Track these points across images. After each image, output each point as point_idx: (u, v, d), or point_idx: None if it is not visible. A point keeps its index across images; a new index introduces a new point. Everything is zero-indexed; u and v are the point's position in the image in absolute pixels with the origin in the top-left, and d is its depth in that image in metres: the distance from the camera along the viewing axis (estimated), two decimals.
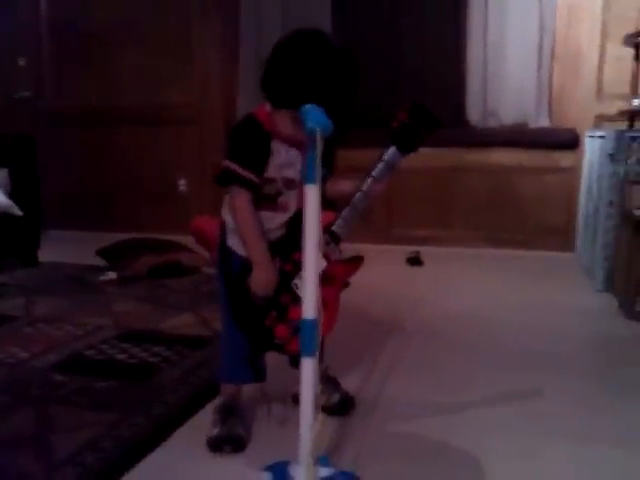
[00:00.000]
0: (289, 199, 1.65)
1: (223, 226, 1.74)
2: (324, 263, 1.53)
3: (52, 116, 5.47)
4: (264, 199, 1.64)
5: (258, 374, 1.79)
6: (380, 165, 1.57)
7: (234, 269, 1.66)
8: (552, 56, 4.34)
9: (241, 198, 1.61)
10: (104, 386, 2.11)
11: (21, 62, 5.39)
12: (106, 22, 5.25)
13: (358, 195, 1.57)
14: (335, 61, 1.51)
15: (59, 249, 4.40)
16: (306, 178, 1.32)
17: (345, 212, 1.58)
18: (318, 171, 1.29)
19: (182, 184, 5.27)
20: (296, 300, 1.55)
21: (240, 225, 1.63)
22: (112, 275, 3.63)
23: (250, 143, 1.61)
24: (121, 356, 2.40)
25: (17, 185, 4.01)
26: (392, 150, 1.56)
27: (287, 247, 1.61)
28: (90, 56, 5.32)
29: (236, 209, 1.63)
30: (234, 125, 1.68)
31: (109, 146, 5.39)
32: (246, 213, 1.61)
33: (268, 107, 1.61)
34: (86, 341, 2.57)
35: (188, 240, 3.64)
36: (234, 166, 1.60)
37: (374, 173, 1.57)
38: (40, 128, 5.28)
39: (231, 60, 5.03)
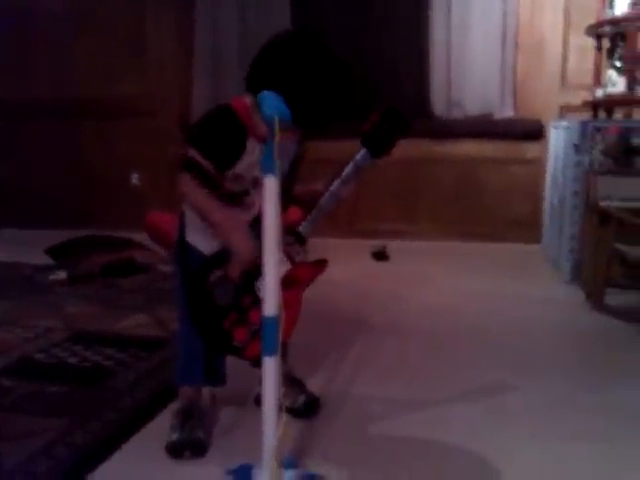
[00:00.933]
0: (255, 199, 1.59)
1: (182, 219, 1.67)
2: (288, 265, 1.50)
3: (2, 109, 5.28)
4: (229, 197, 1.58)
5: (216, 377, 1.75)
6: (349, 167, 1.54)
7: (193, 267, 1.59)
8: (516, 45, 4.33)
9: (189, 183, 1.54)
10: (56, 391, 2.02)
11: None
12: (57, 10, 5.07)
13: (326, 196, 1.54)
14: (336, 67, 1.55)
15: (6, 248, 4.25)
16: (264, 168, 1.28)
17: (312, 214, 1.54)
18: (276, 161, 1.26)
19: (135, 178, 5.13)
20: (257, 303, 1.49)
21: (197, 205, 1.57)
22: (62, 274, 3.49)
23: (222, 135, 1.56)
24: (73, 359, 2.30)
25: None
26: (363, 153, 1.53)
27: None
28: (40, 45, 5.14)
29: (187, 193, 1.56)
30: (207, 113, 1.61)
31: (59, 139, 5.23)
32: (197, 191, 1.54)
33: (249, 100, 1.55)
34: (36, 344, 2.46)
35: (142, 237, 3.56)
36: (194, 153, 1.54)
37: (343, 175, 1.54)
38: None
39: (186, 50, 4.92)
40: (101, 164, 5.16)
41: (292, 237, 1.52)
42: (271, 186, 1.28)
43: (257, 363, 1.37)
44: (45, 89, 5.18)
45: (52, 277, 3.48)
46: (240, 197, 1.60)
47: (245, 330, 1.52)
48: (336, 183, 1.53)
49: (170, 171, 4.83)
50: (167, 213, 1.83)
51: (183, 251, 1.66)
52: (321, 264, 1.59)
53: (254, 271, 1.51)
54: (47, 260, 3.76)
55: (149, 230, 2.07)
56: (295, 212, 1.55)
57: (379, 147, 1.52)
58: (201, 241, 1.61)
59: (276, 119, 1.24)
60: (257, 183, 1.56)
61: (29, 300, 3.13)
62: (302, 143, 1.72)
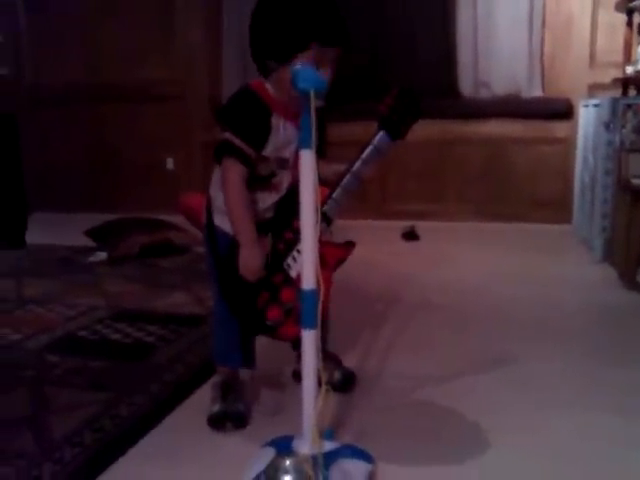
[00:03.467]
0: (282, 179, 1.61)
1: (209, 203, 1.67)
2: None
3: (33, 94, 5.36)
4: (257, 180, 1.59)
5: (248, 360, 1.75)
6: (369, 148, 1.55)
7: (222, 249, 1.60)
8: (543, 24, 4.29)
9: (235, 172, 1.54)
10: (99, 366, 2.08)
11: None
12: None
13: (348, 177, 1.55)
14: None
15: (46, 231, 4.34)
16: (301, 142, 1.27)
17: (335, 194, 1.55)
18: (314, 135, 1.24)
19: (170, 162, 5.19)
20: (288, 281, 1.52)
21: (229, 201, 1.56)
22: (102, 255, 3.58)
23: (250, 116, 1.55)
24: (115, 336, 2.36)
25: (0, 165, 3.94)
26: (381, 135, 1.54)
27: (279, 225, 1.56)
28: (69, 31, 5.20)
29: (228, 182, 1.56)
30: (230, 97, 1.61)
31: (92, 124, 5.30)
32: (237, 189, 1.55)
33: (262, 79, 1.58)
34: (79, 322, 2.53)
35: (177, 219, 3.62)
36: (234, 139, 1.54)
37: (363, 156, 1.54)
38: (21, 107, 5.15)
39: (215, 33, 4.94)
40: (133, 147, 5.22)
41: (320, 216, 1.53)
42: (309, 161, 1.27)
43: (295, 345, 1.40)
44: (77, 74, 5.23)
45: (92, 258, 3.57)
46: (268, 179, 1.60)
47: (278, 309, 1.54)
48: (357, 164, 1.54)
49: (203, 153, 4.94)
50: (200, 195, 1.86)
51: (211, 233, 1.66)
52: (348, 246, 1.60)
53: (283, 250, 1.54)
54: (84, 242, 3.83)
55: (184, 212, 2.10)
56: (322, 191, 1.56)
57: (396, 130, 1.53)
58: (226, 223, 1.61)
59: (312, 92, 1.22)
60: (284, 164, 1.59)
61: (70, 280, 3.20)
62: (323, 121, 1.72)
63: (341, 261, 1.61)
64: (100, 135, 5.31)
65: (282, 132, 1.56)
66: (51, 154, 5.38)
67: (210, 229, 1.66)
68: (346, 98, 3.85)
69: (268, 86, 1.57)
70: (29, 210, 4.27)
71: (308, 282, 1.32)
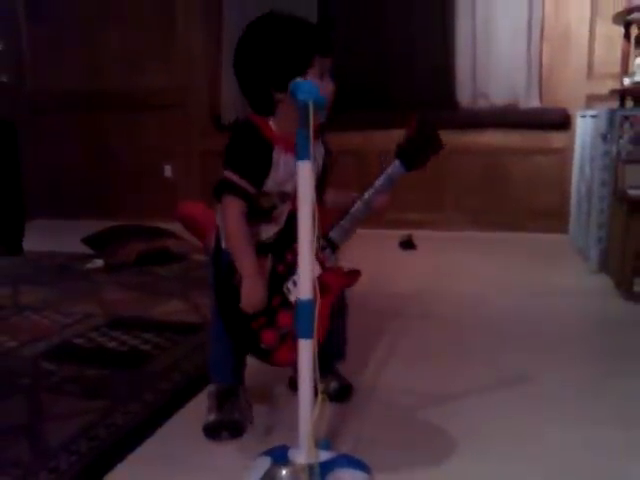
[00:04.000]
0: (283, 210, 1.59)
1: (218, 230, 1.67)
2: (319, 269, 1.51)
3: (32, 101, 5.37)
4: (259, 213, 1.58)
5: (236, 377, 1.77)
6: (383, 177, 1.57)
7: (223, 268, 1.59)
8: (541, 35, 4.31)
9: (233, 208, 1.54)
10: (95, 374, 2.08)
11: None
12: (86, 2, 5.14)
13: (358, 204, 1.57)
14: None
15: (43, 238, 4.35)
16: (299, 154, 1.27)
17: (344, 221, 1.57)
18: (311, 147, 1.25)
19: (168, 169, 5.20)
20: (286, 305, 1.52)
21: (230, 236, 1.56)
22: (99, 263, 3.58)
23: (251, 154, 1.54)
24: (111, 344, 2.36)
25: None
26: (396, 164, 1.57)
27: (280, 246, 1.54)
28: (71, 38, 5.22)
29: (228, 219, 1.55)
30: (232, 133, 1.60)
31: (92, 131, 5.31)
32: (237, 225, 1.54)
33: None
34: (75, 329, 2.53)
35: (175, 227, 3.62)
36: (233, 176, 1.53)
37: (376, 184, 1.57)
38: (20, 114, 5.15)
39: (215, 41, 4.95)
40: (131, 155, 5.23)
41: (325, 242, 1.54)
42: (306, 171, 1.27)
43: (294, 386, 1.39)
44: (77, 81, 5.25)
45: (89, 265, 3.57)
46: (269, 212, 1.59)
47: (273, 333, 1.52)
48: (369, 192, 1.56)
49: (201, 161, 4.95)
50: (199, 203, 1.86)
51: (218, 252, 1.64)
52: (354, 274, 1.60)
53: (283, 272, 1.53)
54: (82, 249, 3.83)
55: (181, 220, 2.11)
56: (323, 219, 1.56)
57: (413, 161, 1.56)
58: None
59: (310, 105, 1.22)
60: (285, 197, 1.57)
61: (67, 287, 3.20)
62: (329, 148, 1.70)
63: (345, 287, 1.63)
64: (99, 142, 5.32)
65: (282, 167, 1.55)
66: (50, 161, 5.39)
67: (218, 248, 1.65)
68: (344, 108, 3.86)
69: (270, 121, 1.56)
70: (27, 217, 4.26)
71: (304, 292, 1.31)
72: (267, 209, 1.59)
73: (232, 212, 1.54)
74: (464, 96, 4.53)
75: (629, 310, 2.71)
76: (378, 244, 4.02)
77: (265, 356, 1.55)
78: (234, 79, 1.62)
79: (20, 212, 4.08)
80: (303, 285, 1.32)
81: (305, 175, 1.28)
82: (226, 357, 1.72)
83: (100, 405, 1.83)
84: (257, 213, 1.57)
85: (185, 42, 5.00)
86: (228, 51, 4.87)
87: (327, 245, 1.56)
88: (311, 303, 1.31)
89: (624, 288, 2.86)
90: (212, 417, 1.69)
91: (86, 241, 3.83)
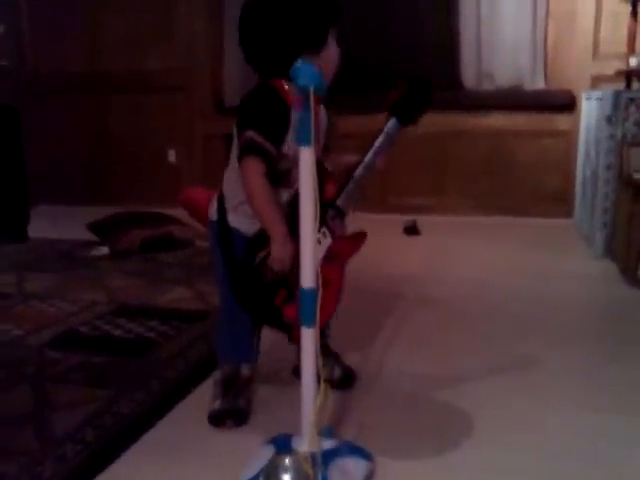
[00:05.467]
0: (297, 175, 1.54)
1: (222, 202, 1.65)
2: (329, 239, 1.51)
3: (34, 85, 5.34)
4: (277, 176, 1.56)
5: (253, 354, 1.76)
6: (381, 137, 1.54)
7: (238, 250, 1.58)
8: (546, 15, 4.26)
9: (257, 170, 1.51)
10: (101, 362, 2.09)
11: (0, 29, 5.22)
12: None
13: (360, 168, 1.55)
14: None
15: (48, 224, 4.34)
16: (300, 139, 1.26)
17: (348, 186, 1.55)
18: (313, 132, 1.24)
19: (172, 154, 5.18)
20: None
21: (256, 199, 1.52)
22: (104, 250, 3.59)
23: (271, 113, 1.53)
24: (117, 331, 2.37)
25: (1, 158, 3.94)
26: (392, 122, 1.54)
27: (296, 224, 1.51)
28: (71, 21, 5.16)
29: (253, 181, 1.51)
30: (248, 95, 1.59)
31: (94, 114, 5.27)
32: (263, 186, 1.51)
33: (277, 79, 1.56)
34: (80, 317, 2.53)
35: (179, 212, 3.61)
36: (257, 137, 1.50)
37: (375, 145, 1.54)
38: (22, 98, 5.12)
39: (216, 24, 4.91)
40: (134, 139, 5.20)
41: (334, 211, 1.53)
42: (307, 158, 1.26)
43: (290, 337, 1.40)
44: (78, 64, 5.21)
45: (93, 252, 3.58)
46: (286, 175, 1.57)
47: (295, 307, 1.50)
48: (369, 154, 1.54)
49: (205, 146, 4.93)
50: (203, 189, 1.85)
51: (225, 233, 1.63)
52: (360, 237, 1.59)
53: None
54: (86, 236, 3.82)
55: (185, 206, 2.09)
56: (330, 187, 1.54)
57: (407, 115, 1.53)
58: (243, 223, 1.59)
59: (311, 89, 1.22)
60: (298, 160, 1.58)
61: (72, 275, 3.20)
62: (331, 115, 1.71)
63: (355, 252, 1.60)
64: (102, 127, 5.29)
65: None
66: (53, 146, 5.37)
67: (224, 228, 1.64)
68: (351, 90, 3.85)
69: (285, 83, 1.55)
70: (31, 203, 4.26)
71: (307, 280, 1.31)
72: (284, 172, 1.57)
73: (256, 172, 1.51)
74: (469, 77, 4.49)
75: (633, 296, 2.69)
76: (382, 229, 4.01)
77: (288, 330, 1.57)
78: (237, 62, 1.62)
79: (24, 198, 4.08)
80: (305, 274, 1.31)
81: (307, 162, 1.26)
82: (242, 336, 1.71)
83: (105, 394, 1.84)
84: (274, 176, 1.55)
85: (187, 25, 4.95)
86: (230, 34, 4.83)
87: (336, 214, 1.54)
88: (314, 292, 1.31)
89: (628, 274, 2.85)
90: (216, 405, 1.70)
91: (91, 228, 3.83)
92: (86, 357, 2.12)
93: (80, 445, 1.57)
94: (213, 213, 1.69)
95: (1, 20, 5.19)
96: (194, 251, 3.61)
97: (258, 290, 1.55)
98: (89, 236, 3.82)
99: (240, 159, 1.53)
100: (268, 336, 1.79)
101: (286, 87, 1.54)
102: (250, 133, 1.51)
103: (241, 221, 1.61)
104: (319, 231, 1.44)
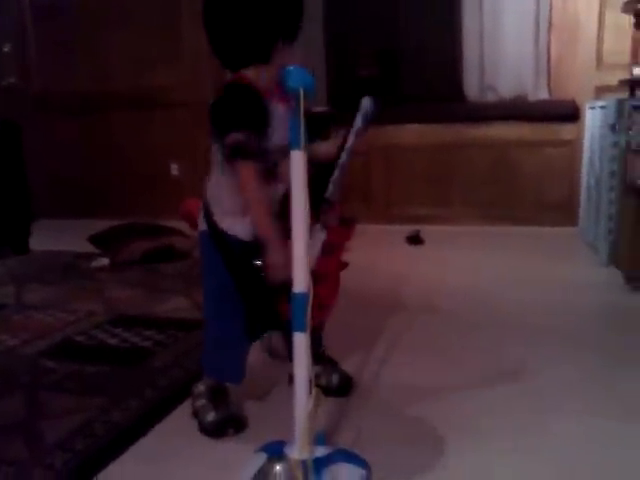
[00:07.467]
0: (286, 168, 1.45)
1: (207, 208, 1.61)
2: (324, 235, 1.48)
3: (38, 102, 5.38)
4: (265, 171, 1.52)
5: (241, 375, 1.70)
6: (358, 118, 1.51)
7: (236, 253, 1.55)
8: (549, 26, 4.26)
9: (248, 172, 1.46)
10: (95, 371, 2.07)
11: (5, 48, 5.25)
12: (91, 3, 5.13)
13: (343, 155, 1.51)
14: None
15: (50, 237, 4.35)
16: (291, 143, 1.25)
17: (334, 176, 1.51)
18: (304, 135, 1.22)
19: (174, 168, 5.19)
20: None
21: (251, 203, 1.49)
22: (104, 261, 3.59)
23: (249, 108, 1.48)
24: (113, 341, 2.35)
25: (4, 172, 3.97)
26: (366, 100, 1.52)
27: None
28: (76, 39, 5.22)
29: (245, 185, 1.47)
30: (218, 97, 1.53)
31: (97, 131, 5.31)
32: (256, 190, 1.47)
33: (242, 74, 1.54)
34: (77, 327, 2.52)
35: (182, 225, 3.60)
36: (239, 136, 1.45)
37: (354, 129, 1.51)
38: (26, 114, 5.16)
39: None
40: (138, 154, 5.22)
41: (325, 205, 1.48)
42: (298, 161, 1.24)
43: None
44: (83, 82, 5.25)
45: (94, 264, 3.57)
46: (273, 169, 1.54)
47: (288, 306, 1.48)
48: (350, 139, 1.51)
49: (207, 160, 4.90)
50: (199, 200, 1.84)
51: (218, 239, 1.59)
52: (349, 224, 1.54)
53: None
54: (87, 248, 3.82)
55: (186, 218, 2.08)
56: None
57: (380, 91, 1.51)
58: (237, 227, 1.55)
59: (301, 91, 1.21)
60: (284, 149, 1.45)
61: (71, 285, 3.20)
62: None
63: (347, 240, 1.56)
64: (105, 142, 5.32)
65: (279, 117, 1.50)
66: (57, 161, 5.40)
67: (215, 233, 1.59)
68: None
69: (250, 75, 1.53)
70: (34, 217, 4.28)
71: (299, 285, 1.29)
72: (271, 165, 1.54)
73: (249, 178, 1.46)
74: (472, 89, 4.48)
75: (637, 304, 2.65)
76: (385, 240, 4.00)
77: (287, 331, 1.48)
78: None
79: (26, 212, 4.10)
80: (297, 278, 1.29)
81: (298, 165, 1.25)
82: (232, 357, 1.67)
83: (98, 402, 1.82)
84: (264, 171, 1.51)
85: (191, 42, 4.97)
86: None
87: (327, 206, 1.49)
88: (306, 297, 1.29)
89: (633, 281, 2.81)
90: (212, 417, 1.66)
91: (92, 240, 3.83)
92: (81, 366, 2.11)
93: (69, 454, 1.55)
94: (201, 223, 1.65)
95: (7, 39, 5.24)
96: (194, 261, 3.59)
97: (259, 295, 1.52)
98: (90, 248, 3.82)
99: (231, 163, 1.49)
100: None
101: (250, 77, 1.52)
102: (234, 135, 1.45)
103: (234, 225, 1.56)
104: (313, 228, 1.40)
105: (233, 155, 1.48)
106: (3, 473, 1.48)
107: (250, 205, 1.50)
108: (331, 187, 1.50)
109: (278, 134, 1.50)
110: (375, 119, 1.52)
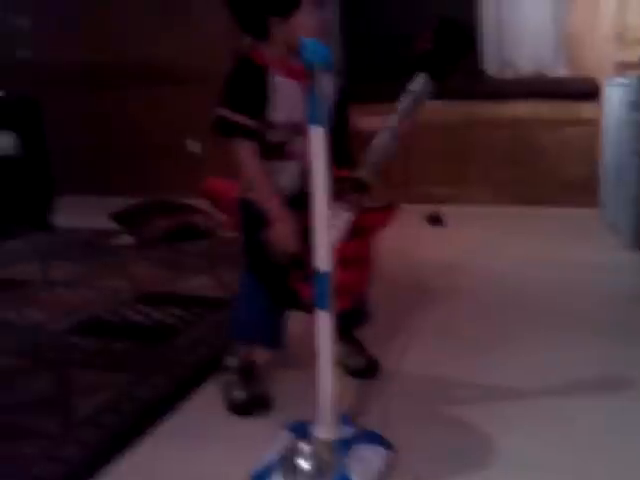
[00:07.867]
0: (299, 146, 1.50)
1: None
2: (351, 215, 1.41)
3: (55, 77, 5.35)
4: (270, 149, 1.53)
5: (276, 339, 1.69)
6: (407, 98, 1.40)
7: (250, 219, 1.57)
8: (569, 0, 4.19)
9: (244, 150, 1.49)
10: (122, 348, 2.11)
11: (20, 21, 5.22)
12: None
13: (383, 135, 1.42)
14: None
15: (71, 214, 4.35)
16: (310, 118, 1.22)
17: (371, 157, 1.42)
18: (323, 110, 1.20)
19: (192, 144, 5.16)
20: None
21: (249, 179, 1.54)
22: (127, 239, 3.60)
23: (242, 84, 1.50)
24: (138, 318, 2.38)
25: (26, 149, 3.99)
26: (420, 79, 1.38)
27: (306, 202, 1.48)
28: (93, 13, 5.16)
29: (241, 162, 1.51)
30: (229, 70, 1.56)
31: (116, 106, 5.27)
32: (252, 166, 1.50)
33: (257, 44, 1.54)
34: (103, 304, 2.55)
35: (200, 202, 3.61)
36: (225, 112, 1.48)
37: (401, 108, 1.40)
38: (44, 89, 5.12)
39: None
40: (155, 130, 5.20)
41: (354, 183, 1.42)
42: (319, 138, 1.21)
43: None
44: (99, 56, 5.21)
45: (117, 241, 3.60)
46: (282, 147, 1.54)
47: (311, 287, 1.46)
48: (394, 119, 1.40)
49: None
50: (225, 180, 1.85)
51: (245, 206, 1.60)
52: (389, 209, 1.51)
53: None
54: (110, 225, 3.83)
55: (208, 196, 2.10)
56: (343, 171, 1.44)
57: (439, 69, 1.37)
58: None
59: (318, 65, 1.18)
60: (297, 128, 1.49)
61: (95, 263, 3.21)
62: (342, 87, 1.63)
63: (382, 226, 1.53)
64: (123, 117, 5.30)
65: (284, 93, 1.49)
66: (76, 137, 5.38)
67: (241, 202, 1.61)
68: (366, 80, 3.83)
69: (263, 47, 1.52)
70: (56, 193, 4.30)
71: (322, 264, 1.28)
72: (277, 143, 1.53)
73: (244, 155, 1.50)
74: (491, 66, 4.43)
75: None
76: (405, 219, 3.95)
77: (308, 309, 1.48)
78: None
79: (47, 188, 4.13)
80: (320, 257, 1.27)
81: (318, 141, 1.22)
82: (257, 316, 1.65)
83: (125, 379, 1.86)
84: (268, 149, 1.52)
85: (207, 16, 4.91)
86: None
87: (358, 187, 1.42)
88: (329, 276, 1.28)
89: None
90: (238, 394, 1.68)
91: (114, 217, 3.84)
92: (108, 343, 2.14)
93: (99, 428, 1.60)
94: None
95: (21, 12, 5.21)
96: (217, 240, 3.59)
97: (271, 270, 1.52)
98: (113, 225, 3.83)
99: (228, 142, 1.51)
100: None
101: (262, 50, 1.51)
102: (218, 110, 1.49)
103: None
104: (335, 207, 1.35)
105: (221, 129, 1.50)
106: (38, 447, 1.52)
107: (250, 180, 1.53)
108: (366, 167, 1.43)
109: (283, 110, 1.50)
110: (427, 99, 1.39)
